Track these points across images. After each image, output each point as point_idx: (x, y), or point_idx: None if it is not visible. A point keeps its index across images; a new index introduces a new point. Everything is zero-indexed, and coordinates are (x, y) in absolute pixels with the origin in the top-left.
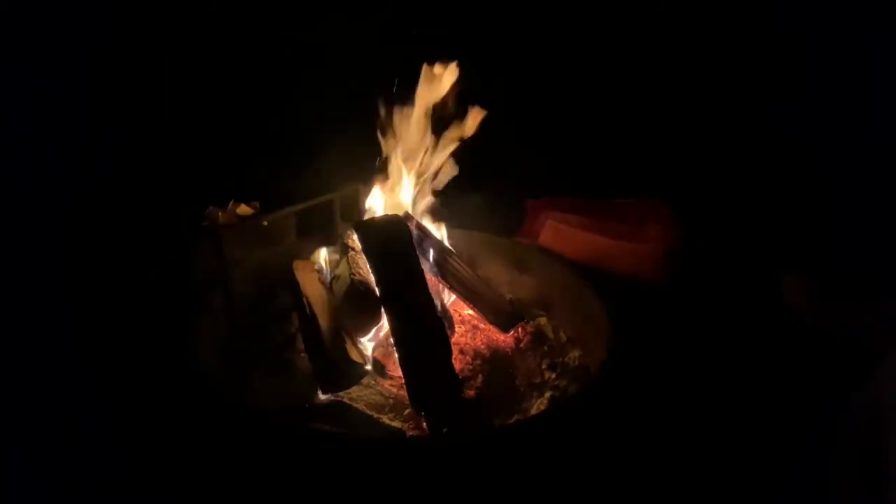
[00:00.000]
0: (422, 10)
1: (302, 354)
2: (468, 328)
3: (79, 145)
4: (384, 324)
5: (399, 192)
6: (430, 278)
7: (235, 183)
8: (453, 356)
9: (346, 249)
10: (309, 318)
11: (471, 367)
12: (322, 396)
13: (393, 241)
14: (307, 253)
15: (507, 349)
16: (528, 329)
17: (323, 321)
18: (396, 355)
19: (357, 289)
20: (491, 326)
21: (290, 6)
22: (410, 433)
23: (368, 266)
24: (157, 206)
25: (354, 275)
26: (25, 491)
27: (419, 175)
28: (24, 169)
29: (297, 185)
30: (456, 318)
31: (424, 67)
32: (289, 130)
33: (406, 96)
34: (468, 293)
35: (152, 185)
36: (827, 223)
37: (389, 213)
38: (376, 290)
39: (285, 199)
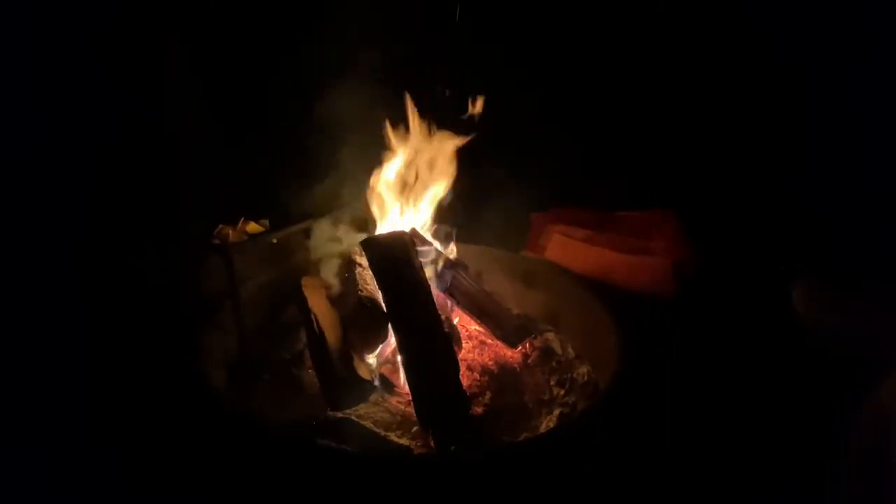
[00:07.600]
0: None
1: (310, 371)
2: (476, 344)
3: (85, 157)
4: (391, 340)
5: (404, 208)
6: (437, 294)
7: (245, 200)
8: (461, 372)
9: (353, 266)
10: (317, 335)
11: (478, 383)
12: (330, 413)
13: (399, 257)
14: (315, 270)
15: (515, 365)
16: (536, 344)
17: (331, 338)
18: (404, 372)
19: (364, 305)
20: (498, 342)
21: (301, 16)
22: (418, 451)
23: (375, 282)
24: (167, 223)
25: (362, 291)
26: (25, 491)
27: (425, 191)
28: (30, 177)
29: (306, 203)
30: (463, 333)
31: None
32: (299, 147)
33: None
34: (475, 308)
35: (163, 202)
36: (837, 233)
37: (396, 229)
38: (383, 306)
39: (295, 216)
